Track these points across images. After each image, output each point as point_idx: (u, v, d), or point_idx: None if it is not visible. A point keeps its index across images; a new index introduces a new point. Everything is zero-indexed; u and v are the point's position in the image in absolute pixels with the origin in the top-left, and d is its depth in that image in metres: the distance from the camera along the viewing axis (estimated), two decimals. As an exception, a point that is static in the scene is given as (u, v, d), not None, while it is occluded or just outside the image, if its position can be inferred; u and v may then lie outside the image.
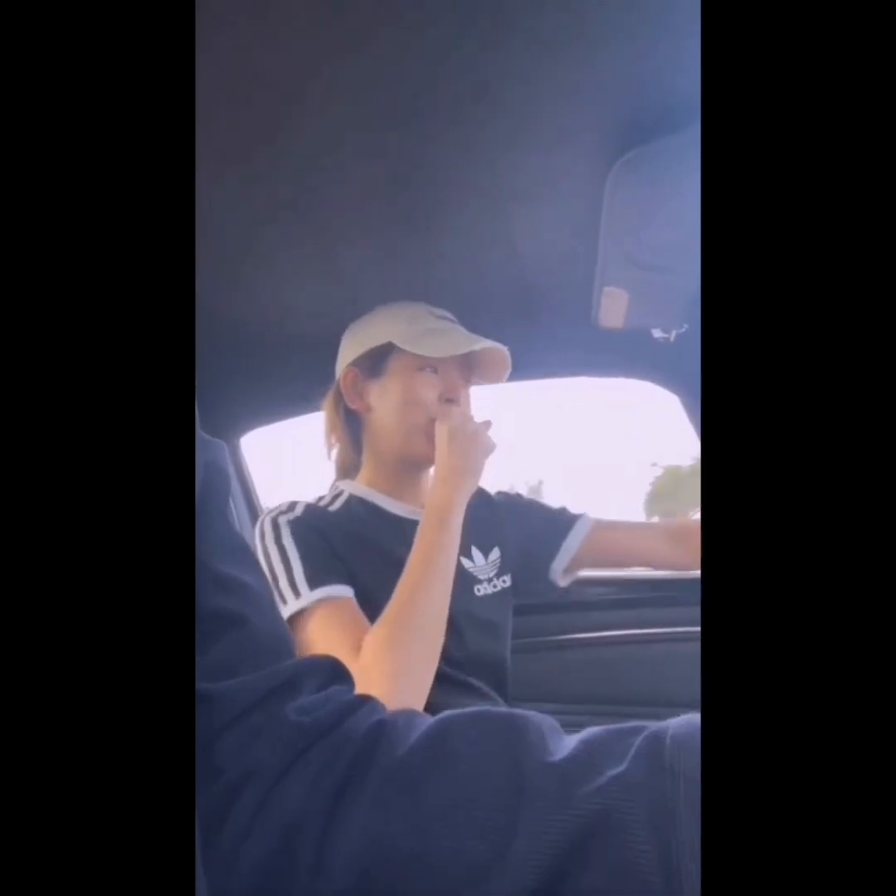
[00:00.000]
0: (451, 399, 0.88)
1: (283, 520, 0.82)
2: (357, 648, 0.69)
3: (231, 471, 1.33)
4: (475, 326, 0.95)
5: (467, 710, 0.31)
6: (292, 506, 0.86)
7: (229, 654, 0.31)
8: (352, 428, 0.96)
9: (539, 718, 0.29)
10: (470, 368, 0.93)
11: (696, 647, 1.11)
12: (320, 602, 0.74)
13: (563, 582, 1.03)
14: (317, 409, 0.99)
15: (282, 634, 0.34)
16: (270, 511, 0.86)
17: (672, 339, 1.01)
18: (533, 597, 1.13)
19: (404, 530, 0.84)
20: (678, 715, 0.27)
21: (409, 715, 0.32)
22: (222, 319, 1.03)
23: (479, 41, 0.57)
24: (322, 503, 0.90)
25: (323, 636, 0.72)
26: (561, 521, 1.03)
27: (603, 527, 1.02)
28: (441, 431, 0.83)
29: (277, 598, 0.75)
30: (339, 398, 0.94)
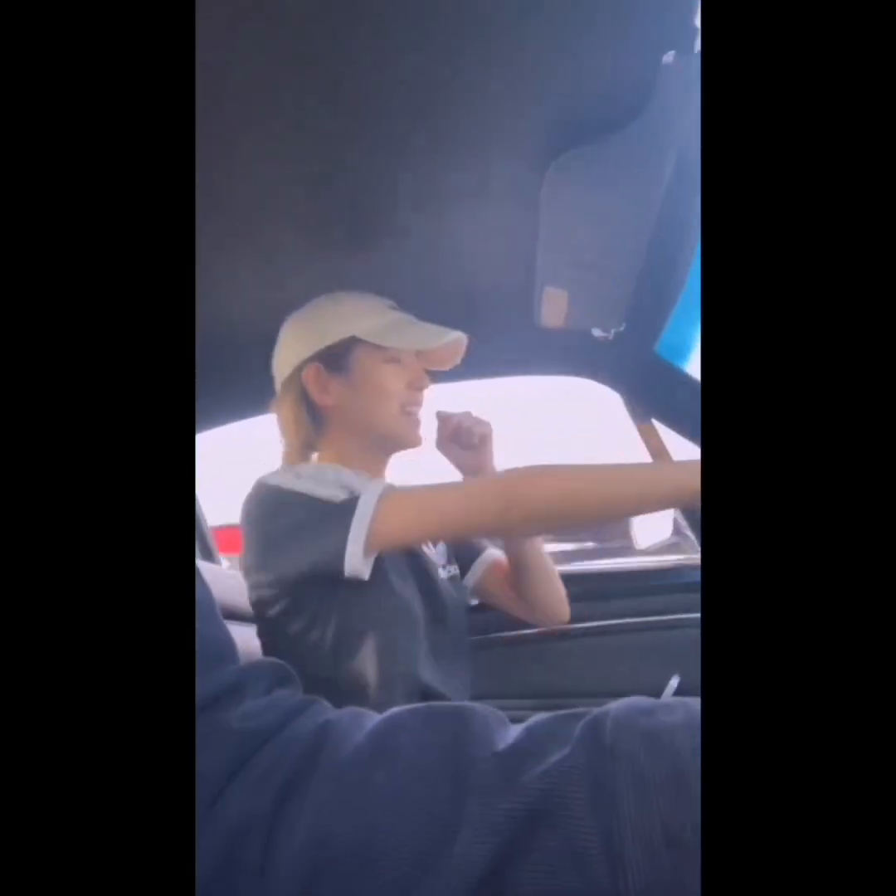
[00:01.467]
0: (419, 387, 0.90)
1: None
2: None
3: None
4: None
5: (413, 705, 0.31)
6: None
7: None
8: (313, 423, 0.91)
9: (484, 710, 0.30)
10: (426, 355, 0.93)
11: (642, 639, 1.14)
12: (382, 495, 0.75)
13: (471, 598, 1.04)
14: (259, 412, 0.96)
15: (226, 641, 0.34)
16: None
17: (611, 337, 1.03)
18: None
19: None
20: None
21: (355, 714, 0.31)
22: None
23: (418, 47, 0.57)
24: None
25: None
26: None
27: (500, 567, 1.02)
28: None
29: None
30: (297, 395, 0.89)
